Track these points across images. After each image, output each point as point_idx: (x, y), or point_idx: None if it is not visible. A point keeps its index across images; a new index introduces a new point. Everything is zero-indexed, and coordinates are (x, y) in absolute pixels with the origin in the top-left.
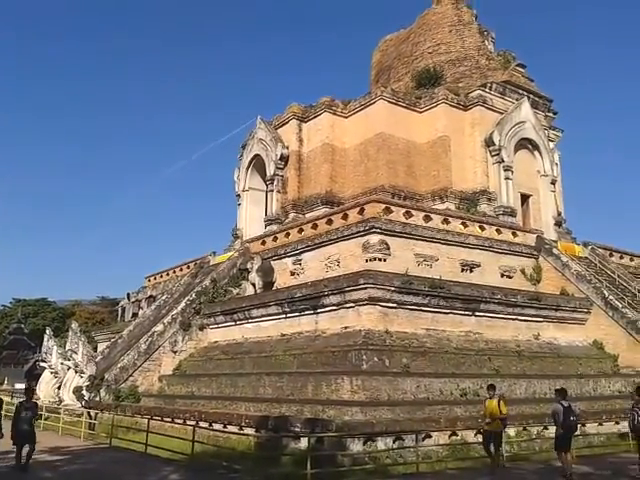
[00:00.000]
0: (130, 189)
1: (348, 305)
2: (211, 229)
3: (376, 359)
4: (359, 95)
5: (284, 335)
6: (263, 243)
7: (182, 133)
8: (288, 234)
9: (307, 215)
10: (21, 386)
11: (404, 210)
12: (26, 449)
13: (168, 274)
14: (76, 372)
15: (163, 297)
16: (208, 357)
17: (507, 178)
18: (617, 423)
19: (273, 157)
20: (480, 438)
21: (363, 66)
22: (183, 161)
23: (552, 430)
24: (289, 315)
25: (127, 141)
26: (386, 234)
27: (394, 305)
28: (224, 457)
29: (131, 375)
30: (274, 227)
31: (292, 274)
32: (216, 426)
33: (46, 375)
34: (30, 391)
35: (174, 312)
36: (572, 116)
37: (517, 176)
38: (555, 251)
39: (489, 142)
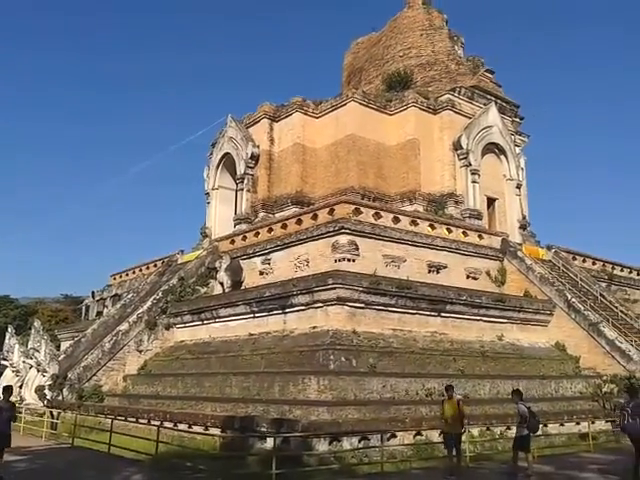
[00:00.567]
0: (97, 186)
1: (317, 305)
2: (179, 227)
3: (343, 359)
4: (330, 96)
5: (252, 335)
6: (232, 242)
7: (151, 131)
8: (258, 233)
9: (277, 215)
10: None
11: (373, 211)
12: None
13: (134, 272)
14: (38, 371)
15: (129, 296)
16: (174, 357)
17: (474, 182)
18: (578, 424)
19: (244, 156)
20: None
21: (335, 67)
22: (148, 161)
23: (515, 430)
24: (257, 315)
25: (89, 144)
26: (355, 235)
27: (362, 305)
28: (189, 457)
29: (95, 374)
30: (243, 226)
31: (261, 274)
32: (181, 426)
33: (7, 374)
34: (9, 391)
35: (140, 311)
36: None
37: (484, 180)
38: (519, 254)
39: (457, 146)
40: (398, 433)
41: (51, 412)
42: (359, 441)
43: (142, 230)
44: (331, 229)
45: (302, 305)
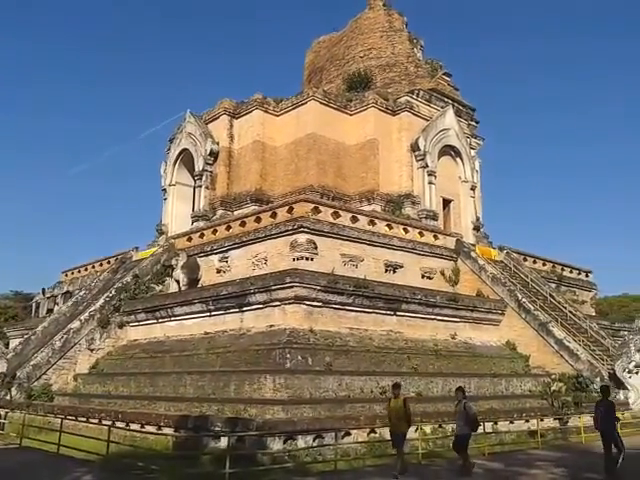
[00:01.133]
0: (47, 180)
1: (274, 303)
2: (134, 224)
3: (300, 357)
4: (291, 94)
5: (208, 333)
6: (189, 239)
7: (104, 125)
8: (215, 231)
9: (236, 212)
10: None
11: (332, 210)
12: None
13: (87, 269)
14: None
15: (81, 293)
16: (127, 356)
17: (430, 183)
18: (527, 421)
19: (202, 152)
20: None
21: (296, 66)
22: (103, 155)
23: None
24: (214, 313)
25: (39, 138)
26: (314, 234)
27: (319, 304)
28: (141, 457)
29: (45, 373)
30: (201, 224)
31: (218, 272)
32: (133, 426)
33: None
34: None
35: (92, 309)
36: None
37: (440, 181)
38: (473, 254)
39: (415, 147)
40: (352, 431)
41: None
42: (314, 439)
43: (95, 226)
44: (290, 228)
45: (260, 304)
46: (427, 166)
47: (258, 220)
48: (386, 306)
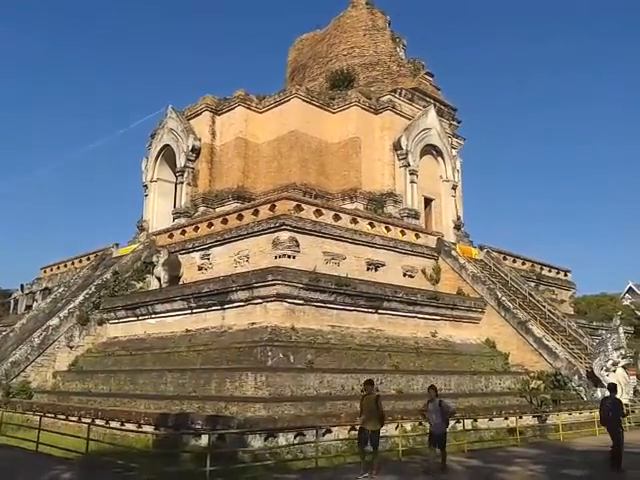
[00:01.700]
0: (26, 175)
1: (256, 301)
2: (114, 220)
3: (281, 355)
4: (274, 92)
5: (189, 331)
6: (171, 236)
7: (85, 119)
8: (197, 228)
9: (217, 209)
10: None
11: (314, 208)
12: None
13: (66, 265)
14: None
15: (60, 289)
16: (107, 353)
17: (412, 182)
18: (506, 419)
19: (184, 148)
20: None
21: (279, 63)
22: (82, 150)
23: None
24: (195, 310)
25: (19, 132)
26: (296, 231)
27: (301, 302)
28: (120, 455)
29: (23, 370)
30: (183, 220)
31: (200, 269)
32: (113, 424)
33: None
34: None
35: (71, 305)
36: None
37: (421, 180)
38: (453, 253)
39: (397, 146)
40: (333, 428)
41: None
42: (295, 437)
43: (74, 222)
44: (272, 225)
45: (241, 301)
46: (409, 165)
47: (240, 217)
48: (368, 304)
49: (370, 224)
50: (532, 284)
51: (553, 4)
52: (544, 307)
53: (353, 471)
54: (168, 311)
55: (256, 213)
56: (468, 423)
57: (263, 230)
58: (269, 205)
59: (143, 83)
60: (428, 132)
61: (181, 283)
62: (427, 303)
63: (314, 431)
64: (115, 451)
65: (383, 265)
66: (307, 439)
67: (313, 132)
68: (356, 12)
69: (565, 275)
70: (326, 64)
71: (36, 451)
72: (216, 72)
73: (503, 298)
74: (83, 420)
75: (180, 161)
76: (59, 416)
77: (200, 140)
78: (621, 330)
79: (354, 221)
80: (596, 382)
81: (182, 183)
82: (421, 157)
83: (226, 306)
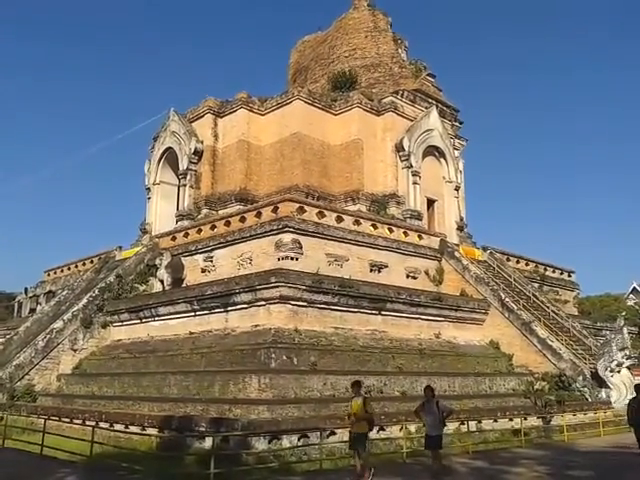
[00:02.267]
0: (29, 175)
1: (259, 303)
2: (117, 223)
3: (285, 357)
4: (276, 94)
5: (192, 333)
6: (173, 239)
7: (88, 122)
8: (200, 230)
9: (220, 212)
10: None
11: (317, 210)
12: None
13: (69, 268)
14: None
15: (63, 293)
16: (111, 356)
17: (415, 183)
18: (511, 420)
19: (187, 151)
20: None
21: (281, 65)
22: (85, 153)
23: (451, 426)
24: (198, 313)
25: (21, 134)
26: (299, 233)
27: (304, 304)
28: (125, 458)
29: (27, 373)
30: (185, 223)
31: (203, 271)
32: (117, 426)
33: None
34: None
35: (75, 308)
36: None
37: (424, 181)
38: (457, 254)
39: (399, 147)
40: (337, 430)
41: None
42: (299, 439)
43: (78, 225)
44: (275, 227)
45: (244, 303)
46: (411, 166)
47: (243, 220)
48: (371, 306)
49: (373, 225)
50: (536, 285)
51: (553, 4)
52: (548, 308)
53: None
54: (171, 314)
55: (259, 215)
56: (472, 424)
57: (266, 232)
58: (272, 207)
59: (146, 86)
60: (430, 133)
61: (184, 285)
62: (430, 304)
63: (318, 433)
64: (119, 454)
65: (386, 266)
66: (311, 441)
67: (315, 134)
68: (358, 14)
69: (569, 275)
70: (328, 66)
71: (41, 454)
72: (218, 74)
73: (507, 299)
74: (87, 423)
75: (183, 164)
76: (63, 419)
77: (202, 142)
78: (625, 330)
79: (357, 223)
80: (601, 383)
81: (185, 186)
82: (423, 158)
83: (229, 308)
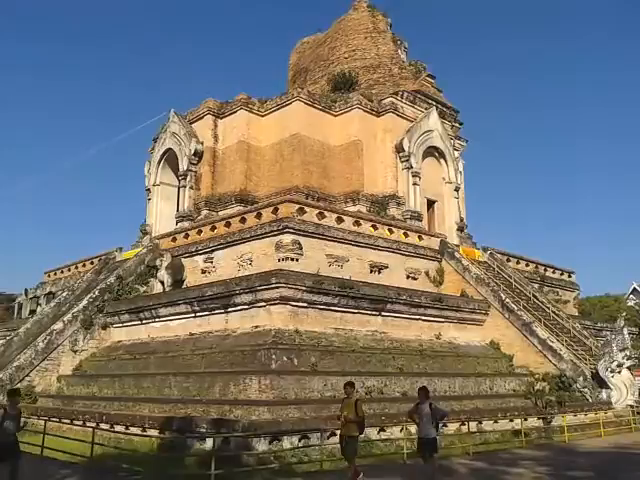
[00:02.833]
0: (29, 176)
1: (259, 304)
2: (118, 224)
3: (285, 358)
4: (276, 95)
5: (193, 334)
6: (174, 240)
7: (87, 123)
8: (200, 231)
9: (220, 213)
10: None
11: (317, 211)
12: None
13: (70, 270)
14: None
15: (64, 294)
16: (111, 357)
17: (415, 184)
18: (511, 420)
19: (187, 152)
20: (387, 435)
21: (281, 66)
22: (84, 154)
23: (451, 427)
24: (199, 314)
25: (30, 127)
26: (299, 234)
27: (305, 305)
28: (125, 459)
29: (28, 375)
30: (186, 224)
31: (203, 272)
32: (118, 428)
33: None
34: (16, 395)
35: (75, 310)
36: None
37: (424, 182)
38: (457, 255)
39: (399, 148)
40: (338, 431)
41: None
42: (299, 440)
43: (78, 226)
44: (275, 228)
45: (245, 304)
46: (411, 167)
47: (243, 220)
48: (371, 306)
49: (373, 226)
50: (536, 285)
51: (553, 4)
52: (548, 308)
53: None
54: (172, 315)
55: (259, 216)
56: (473, 425)
57: (266, 233)
58: (272, 208)
59: (146, 87)
60: (430, 134)
61: (184, 287)
62: (431, 305)
63: (319, 434)
64: (120, 455)
65: (386, 267)
66: (312, 442)
67: (315, 135)
68: (357, 15)
69: (569, 276)
70: (328, 67)
71: (41, 455)
72: (218, 75)
73: (507, 300)
74: (88, 424)
75: (183, 165)
76: (64, 420)
77: (202, 144)
78: (626, 331)
79: (357, 223)
80: (601, 383)
81: (185, 187)
82: (423, 159)
83: (230, 309)
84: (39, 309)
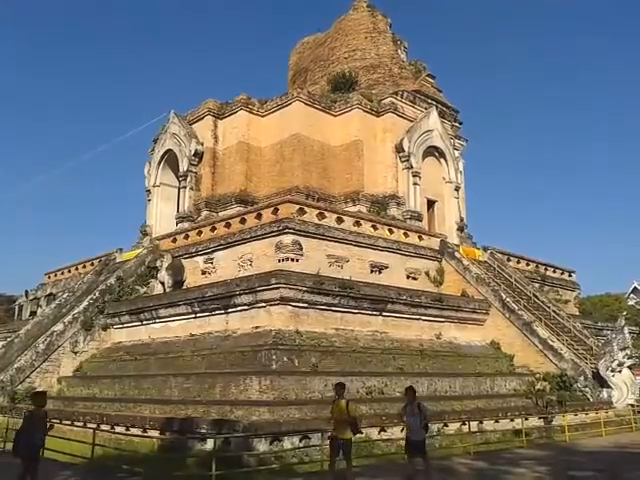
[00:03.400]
0: (30, 177)
1: (260, 305)
2: (118, 225)
3: (286, 359)
4: (276, 95)
5: (193, 335)
6: (174, 241)
7: (86, 125)
8: (200, 232)
9: (220, 213)
10: None
11: (317, 211)
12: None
13: (70, 271)
14: None
15: (64, 295)
16: (111, 358)
17: (415, 184)
18: (512, 420)
19: (187, 153)
20: (387, 436)
21: (281, 66)
22: (84, 156)
23: (452, 427)
24: (199, 315)
25: (30, 131)
26: (299, 234)
27: (305, 305)
28: (126, 460)
29: (28, 376)
30: (186, 225)
31: (203, 273)
32: (118, 429)
33: None
34: (43, 397)
35: (75, 311)
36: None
37: (424, 182)
38: (457, 255)
39: (399, 148)
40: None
41: None
42: (300, 440)
43: (78, 227)
44: (275, 229)
45: (245, 305)
46: (411, 167)
47: (243, 221)
48: (372, 307)
49: (373, 226)
50: (536, 285)
51: (553, 5)
52: (549, 308)
53: (359, 474)
54: (172, 315)
55: (259, 217)
56: (474, 425)
57: (266, 233)
58: (272, 208)
59: (146, 88)
60: (430, 134)
61: (185, 287)
62: (431, 305)
63: (319, 434)
64: (120, 456)
65: (387, 267)
66: (312, 442)
67: (315, 135)
68: (357, 15)
69: (569, 275)
70: (327, 67)
71: (42, 456)
72: (218, 76)
73: (507, 299)
74: (88, 425)
75: (183, 166)
76: (64, 421)
77: (202, 144)
78: (626, 330)
79: (357, 224)
80: (602, 383)
81: (185, 187)
82: (423, 159)
83: (230, 310)
84: (39, 310)
